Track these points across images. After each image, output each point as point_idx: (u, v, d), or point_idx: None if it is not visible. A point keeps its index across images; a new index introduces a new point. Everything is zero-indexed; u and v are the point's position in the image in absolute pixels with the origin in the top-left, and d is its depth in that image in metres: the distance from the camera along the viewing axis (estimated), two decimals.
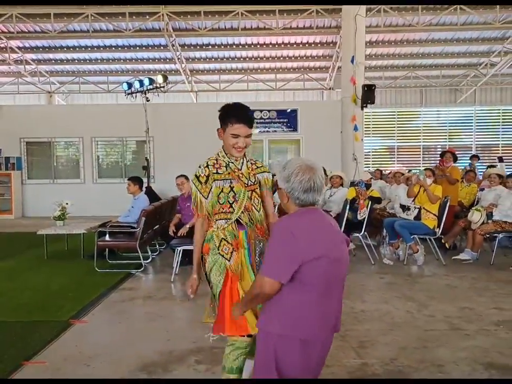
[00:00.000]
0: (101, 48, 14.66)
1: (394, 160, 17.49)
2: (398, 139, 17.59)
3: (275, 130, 13.38)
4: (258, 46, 14.72)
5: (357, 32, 11.21)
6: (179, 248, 5.90)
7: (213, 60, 15.64)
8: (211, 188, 2.70)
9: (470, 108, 17.43)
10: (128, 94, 11.40)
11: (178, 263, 6.00)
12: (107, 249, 6.89)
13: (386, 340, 3.90)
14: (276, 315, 2.05)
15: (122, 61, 15.60)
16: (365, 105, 11.19)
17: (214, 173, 2.70)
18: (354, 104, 11.13)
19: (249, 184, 2.72)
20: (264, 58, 15.57)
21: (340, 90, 16.00)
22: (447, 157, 7.61)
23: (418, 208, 6.67)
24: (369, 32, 12.98)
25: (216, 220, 2.66)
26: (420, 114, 17.66)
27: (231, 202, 2.65)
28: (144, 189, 7.26)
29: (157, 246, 7.65)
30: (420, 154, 17.38)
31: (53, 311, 4.73)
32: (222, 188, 2.67)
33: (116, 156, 14.24)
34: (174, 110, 13.78)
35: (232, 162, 2.72)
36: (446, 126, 17.69)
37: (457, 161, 8.36)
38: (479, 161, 13.60)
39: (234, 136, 2.62)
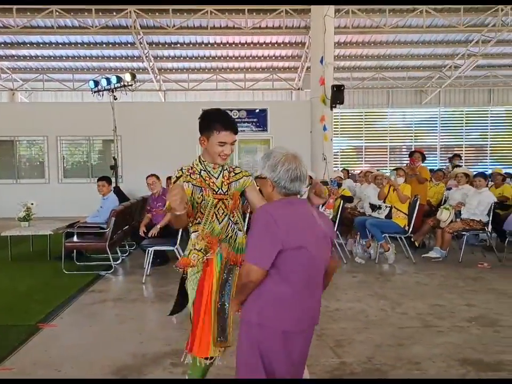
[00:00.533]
0: (66, 45, 14.30)
1: (362, 160, 17.72)
2: (365, 139, 17.84)
3: (243, 130, 13.29)
4: (227, 45, 14.65)
5: (326, 32, 11.29)
6: (150, 249, 5.78)
7: (182, 58, 15.48)
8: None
9: (434, 109, 17.85)
10: (95, 92, 11.13)
11: (149, 264, 5.88)
12: (75, 251, 6.70)
13: (361, 338, 3.91)
14: (257, 307, 2.04)
15: (88, 58, 15.26)
16: (334, 105, 11.29)
17: (187, 175, 2.59)
18: (323, 104, 11.21)
19: (218, 192, 2.60)
20: (233, 58, 15.51)
21: (309, 90, 16.19)
22: (416, 157, 7.73)
23: (389, 207, 6.76)
24: (338, 33, 13.09)
25: (191, 233, 2.58)
26: (387, 115, 17.96)
27: (202, 211, 2.55)
28: (112, 189, 7.09)
29: (127, 247, 7.49)
30: (386, 154, 17.67)
31: (20, 315, 4.56)
32: (193, 194, 2.56)
33: (81, 155, 13.90)
34: (142, 108, 13.55)
35: (205, 170, 2.60)
36: (411, 127, 18.06)
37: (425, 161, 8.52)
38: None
39: (221, 144, 2.50)
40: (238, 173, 2.72)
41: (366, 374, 3.27)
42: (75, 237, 6.43)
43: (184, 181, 2.59)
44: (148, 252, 5.82)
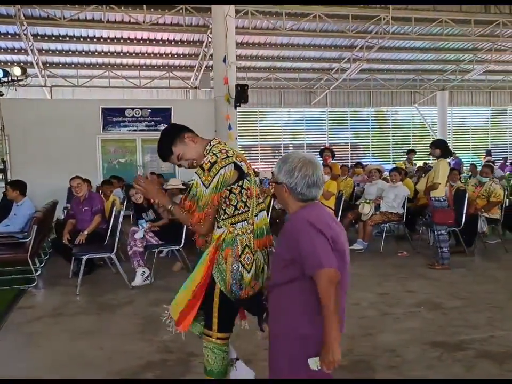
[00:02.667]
0: None
1: (258, 159, 18.12)
2: (260, 138, 18.28)
3: (143, 129, 12.81)
4: (121, 41, 13.99)
5: (228, 32, 11.36)
6: (84, 257, 5.34)
7: (70, 53, 14.46)
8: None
9: (323, 109, 18.86)
10: None
11: (81, 274, 5.42)
12: None
13: None
14: (306, 317, 1.97)
15: None
16: (238, 104, 11.40)
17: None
18: (227, 103, 11.25)
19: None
20: (128, 54, 14.88)
21: (207, 89, 16.19)
22: (327, 154, 8.10)
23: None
24: (237, 34, 13.20)
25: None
26: (281, 114, 18.59)
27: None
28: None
29: (43, 256, 6.82)
30: (281, 152, 18.28)
31: None
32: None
33: None
34: (34, 105, 12.28)
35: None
36: (302, 126, 18.90)
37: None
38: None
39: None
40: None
41: (353, 365, 3.37)
42: None
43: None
44: (82, 261, 5.37)
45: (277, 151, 18.37)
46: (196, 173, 2.45)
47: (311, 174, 2.04)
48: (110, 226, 5.88)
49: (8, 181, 6.37)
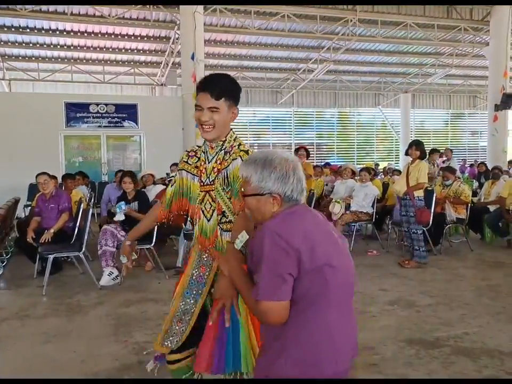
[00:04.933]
0: None
1: None
2: None
3: (107, 126, 12.50)
4: (85, 34, 13.63)
5: (196, 29, 11.25)
6: (51, 256, 5.13)
7: (31, 45, 13.97)
8: (176, 176, 2.37)
9: (289, 109, 18.95)
10: None
11: (48, 273, 5.21)
12: None
13: None
14: (289, 355, 1.60)
15: None
16: None
17: (184, 161, 2.31)
18: (195, 101, 11.12)
19: (205, 183, 2.21)
20: (91, 48, 14.52)
21: (174, 87, 15.98)
22: (301, 153, 8.11)
23: None
24: (205, 31, 13.08)
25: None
26: (246, 113, 18.55)
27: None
28: None
29: (4, 256, 6.52)
30: None
31: None
32: (188, 180, 2.28)
33: None
34: None
35: (204, 152, 2.23)
36: (268, 126, 18.94)
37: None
38: None
39: (198, 108, 2.11)
40: (236, 152, 2.17)
41: None
42: None
43: (180, 169, 2.32)
44: (48, 260, 5.15)
45: None
46: (240, 156, 2.10)
47: (301, 176, 1.71)
48: (77, 224, 5.68)
49: None
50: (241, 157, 2.11)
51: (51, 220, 5.80)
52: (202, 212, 2.22)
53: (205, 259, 2.23)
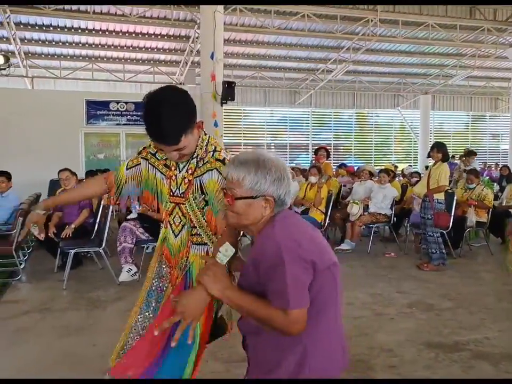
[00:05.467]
0: None
1: None
2: (244, 137, 18.23)
3: (127, 124, 12.60)
4: (107, 33, 13.75)
5: (216, 28, 11.27)
6: (72, 252, 5.20)
7: (54, 43, 14.14)
8: (139, 163, 2.15)
9: (306, 109, 18.90)
10: None
11: (68, 268, 5.28)
12: None
13: None
14: (311, 366, 1.59)
15: None
16: (225, 101, 11.31)
17: (152, 153, 2.12)
18: (214, 100, 11.16)
19: (175, 194, 2.06)
20: (112, 47, 14.63)
21: (192, 85, 16.00)
22: (322, 154, 8.09)
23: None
24: (225, 30, 13.11)
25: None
26: (264, 113, 18.56)
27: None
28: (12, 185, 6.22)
29: (26, 250, 6.63)
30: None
31: None
32: (155, 177, 2.12)
33: None
34: (14, 95, 12.01)
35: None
36: (285, 126, 18.91)
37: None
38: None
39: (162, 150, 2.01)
40: (209, 162, 2.01)
41: (352, 365, 3.32)
42: None
43: (142, 157, 2.14)
44: (69, 255, 5.23)
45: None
46: (216, 169, 1.98)
47: (290, 177, 1.65)
48: (97, 220, 5.74)
49: None
50: (217, 169, 1.98)
51: (72, 216, 5.87)
52: (170, 225, 2.10)
53: (165, 269, 2.18)
